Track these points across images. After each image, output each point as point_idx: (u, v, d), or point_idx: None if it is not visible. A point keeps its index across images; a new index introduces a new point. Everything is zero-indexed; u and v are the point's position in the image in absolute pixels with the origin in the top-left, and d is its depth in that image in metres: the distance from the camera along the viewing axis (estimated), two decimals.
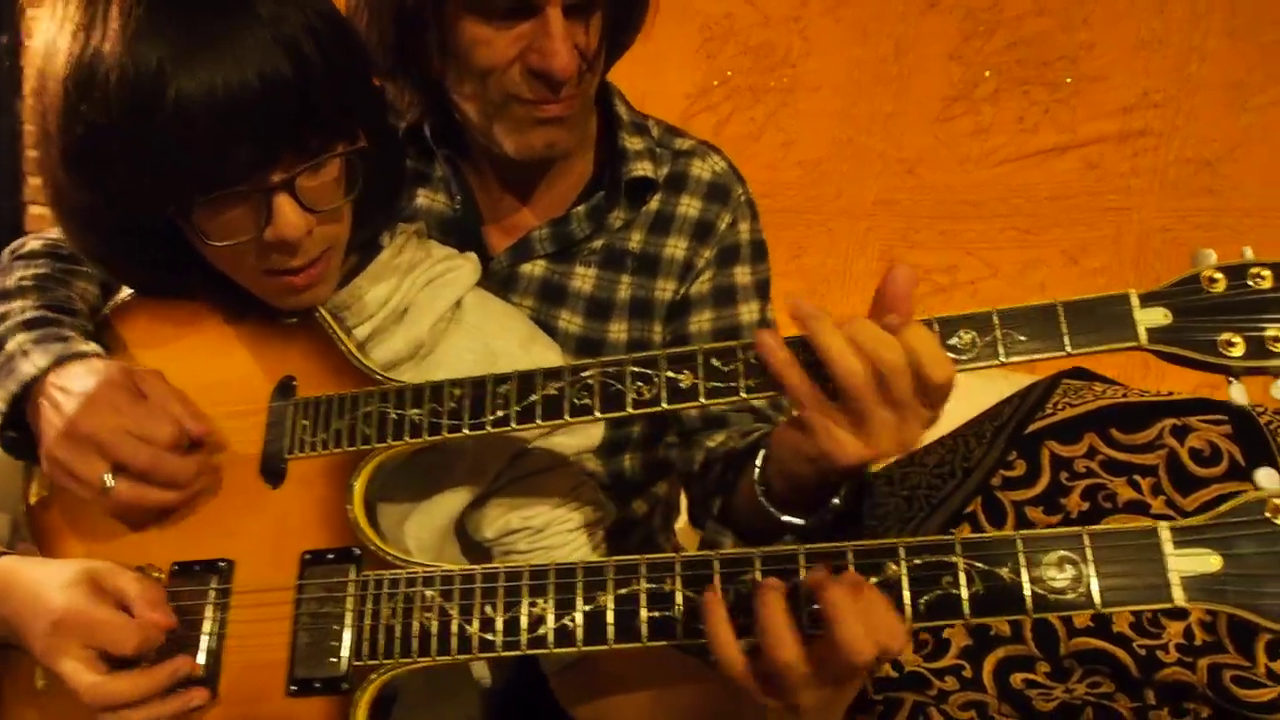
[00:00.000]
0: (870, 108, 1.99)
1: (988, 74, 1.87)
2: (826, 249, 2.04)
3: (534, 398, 0.86)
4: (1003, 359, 0.76)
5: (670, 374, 0.83)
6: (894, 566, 0.71)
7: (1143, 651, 1.27)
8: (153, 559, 0.94)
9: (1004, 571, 0.69)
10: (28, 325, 0.96)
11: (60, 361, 0.92)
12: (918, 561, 0.71)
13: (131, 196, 0.85)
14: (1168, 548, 0.66)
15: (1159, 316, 0.73)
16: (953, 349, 0.77)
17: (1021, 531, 0.69)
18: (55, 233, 1.10)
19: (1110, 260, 1.72)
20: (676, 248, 1.24)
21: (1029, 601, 0.68)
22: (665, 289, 1.24)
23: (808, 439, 0.80)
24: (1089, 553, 0.67)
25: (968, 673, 1.33)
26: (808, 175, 2.04)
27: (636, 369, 0.84)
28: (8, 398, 0.92)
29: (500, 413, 0.87)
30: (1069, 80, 1.79)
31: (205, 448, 0.95)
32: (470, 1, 1.03)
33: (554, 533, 1.01)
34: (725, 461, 1.12)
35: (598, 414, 0.85)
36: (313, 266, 0.92)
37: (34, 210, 3.41)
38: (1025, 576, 0.68)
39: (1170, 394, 1.48)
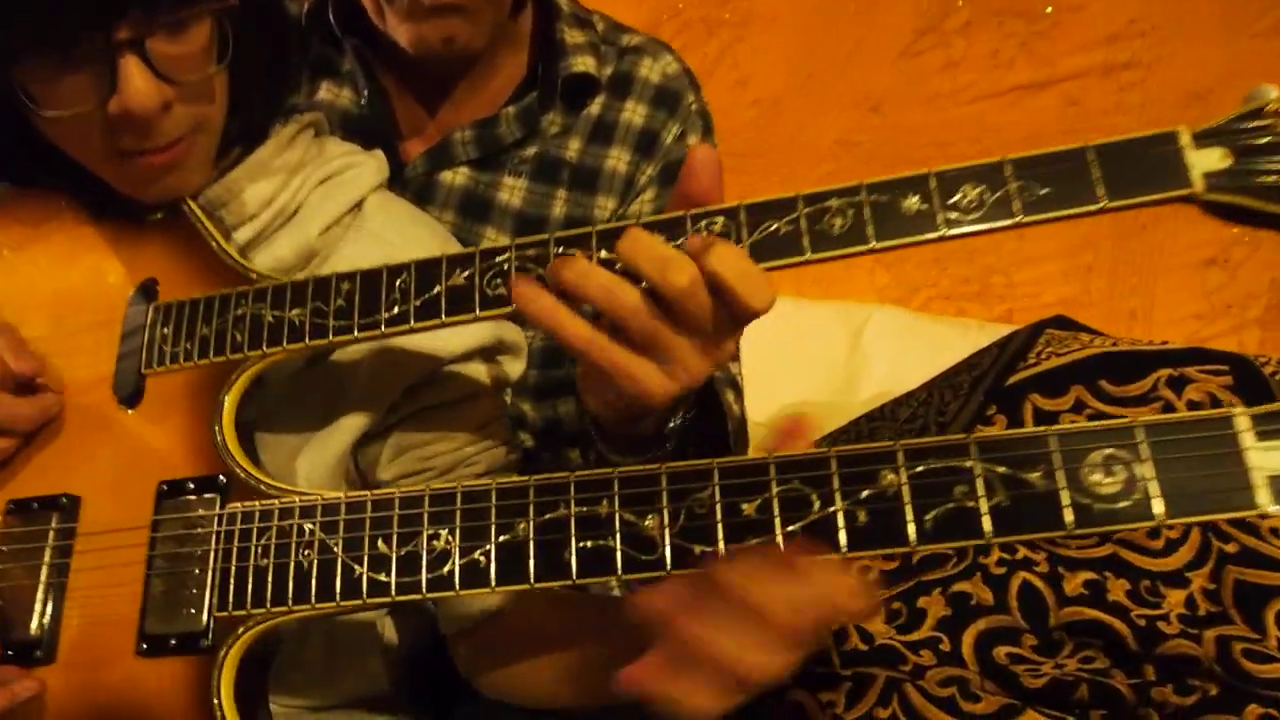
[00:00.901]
0: (831, 42, 1.85)
1: (960, 3, 1.73)
2: (782, 193, 1.89)
3: (437, 289, 0.70)
4: (1019, 218, 0.61)
5: (604, 254, 0.67)
6: (891, 476, 0.56)
7: (1142, 622, 1.14)
8: None
9: (1034, 477, 0.54)
10: None
11: None
12: (921, 468, 0.56)
13: None
14: (1246, 440, 0.51)
15: (1216, 159, 0.59)
16: (954, 208, 0.62)
17: (1056, 426, 0.54)
18: None
19: None
20: (619, 160, 1.09)
21: (1069, 514, 0.53)
22: (604, 207, 1.09)
23: (608, 385, 0.67)
24: (1144, 449, 0.52)
25: (945, 646, 1.19)
26: (763, 115, 1.89)
27: (563, 251, 0.68)
28: None
29: (396, 309, 0.71)
30: (1048, 10, 1.66)
31: (44, 377, 0.79)
32: None
33: (457, 478, 0.85)
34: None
35: (516, 305, 0.69)
36: (175, 146, 0.77)
37: None
38: (1063, 482, 0.53)
39: (1165, 344, 1.36)
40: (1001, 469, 0.54)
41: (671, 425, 0.77)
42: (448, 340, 0.83)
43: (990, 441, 0.55)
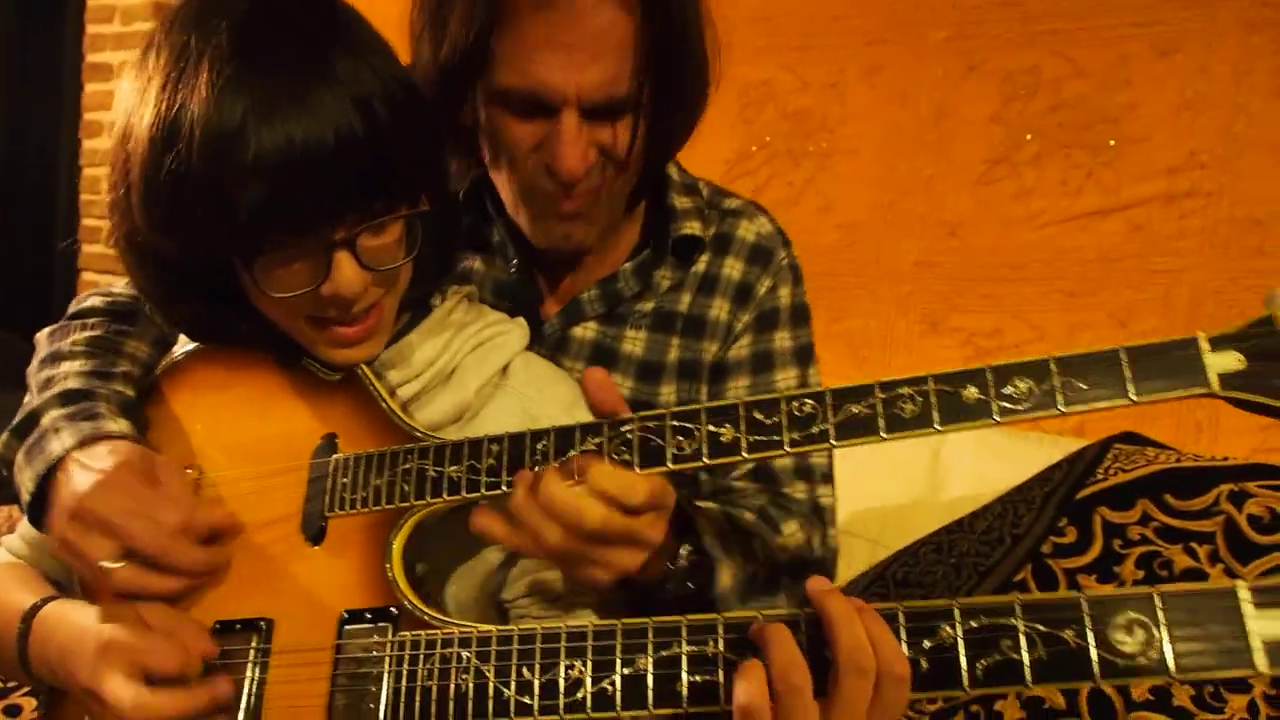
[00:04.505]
0: (910, 171, 1.98)
1: (1029, 137, 1.86)
2: (868, 312, 2.02)
3: (572, 454, 0.85)
4: (1062, 409, 0.73)
5: (711, 428, 0.81)
6: (949, 629, 0.68)
7: None
8: (196, 616, 0.94)
9: (1068, 635, 0.65)
10: (64, 399, 0.97)
11: (85, 442, 0.92)
12: (974, 624, 0.68)
13: (201, 242, 0.88)
14: (1247, 609, 0.62)
15: (1232, 361, 0.70)
16: (1008, 398, 0.74)
17: (1087, 592, 0.66)
18: (118, 288, 1.13)
19: (1160, 323, 1.69)
20: (720, 310, 1.23)
21: (1096, 667, 0.64)
22: (709, 350, 1.23)
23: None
24: (1161, 615, 0.64)
25: None
26: (847, 238, 2.03)
27: (676, 423, 0.83)
28: (35, 478, 0.92)
29: (538, 470, 0.85)
30: (1112, 142, 1.78)
31: (240, 514, 0.96)
32: (494, 94, 1.04)
33: (568, 605, 0.98)
34: None
35: (637, 469, 0.83)
36: (365, 319, 0.94)
37: (88, 249, 3.51)
38: (1091, 640, 0.65)
39: (1226, 459, 1.44)
40: (1041, 627, 0.66)
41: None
42: None
43: (1032, 604, 0.67)
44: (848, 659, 0.67)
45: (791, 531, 1.14)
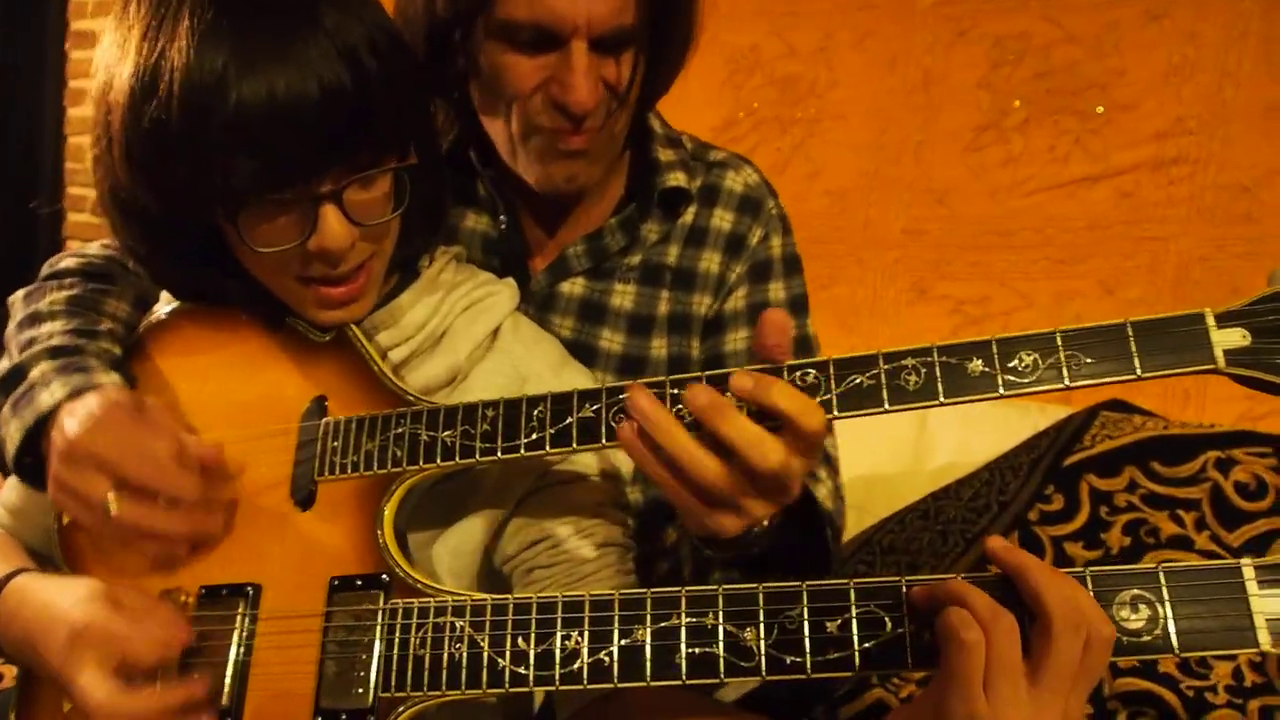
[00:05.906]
0: (898, 137, 1.97)
1: (1017, 103, 1.84)
2: (856, 279, 2.01)
3: (569, 420, 0.83)
4: (1068, 383, 0.72)
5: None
6: None
7: (1190, 693, 1.23)
8: (181, 582, 0.93)
9: None
10: (52, 353, 0.95)
11: (77, 393, 0.91)
12: None
13: (184, 196, 0.85)
14: (1251, 588, 0.62)
15: (1237, 337, 0.70)
16: (1013, 371, 0.73)
17: (1091, 567, 0.65)
18: (92, 248, 1.11)
19: (1147, 290, 1.68)
20: (711, 261, 1.22)
21: None
22: (701, 303, 1.22)
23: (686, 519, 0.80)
24: (1165, 592, 0.63)
25: None
26: (835, 205, 2.02)
27: (675, 391, 0.81)
28: (23, 427, 0.91)
29: (534, 435, 0.84)
30: (1100, 109, 1.76)
31: (229, 470, 0.93)
32: (497, 29, 1.02)
33: (577, 545, 0.97)
34: None
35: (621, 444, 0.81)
36: (353, 280, 0.92)
37: (74, 217, 3.46)
38: None
39: (1212, 426, 1.45)
40: None
41: (755, 531, 0.86)
42: None
43: None
44: (1062, 617, 0.61)
45: (824, 477, 1.14)
